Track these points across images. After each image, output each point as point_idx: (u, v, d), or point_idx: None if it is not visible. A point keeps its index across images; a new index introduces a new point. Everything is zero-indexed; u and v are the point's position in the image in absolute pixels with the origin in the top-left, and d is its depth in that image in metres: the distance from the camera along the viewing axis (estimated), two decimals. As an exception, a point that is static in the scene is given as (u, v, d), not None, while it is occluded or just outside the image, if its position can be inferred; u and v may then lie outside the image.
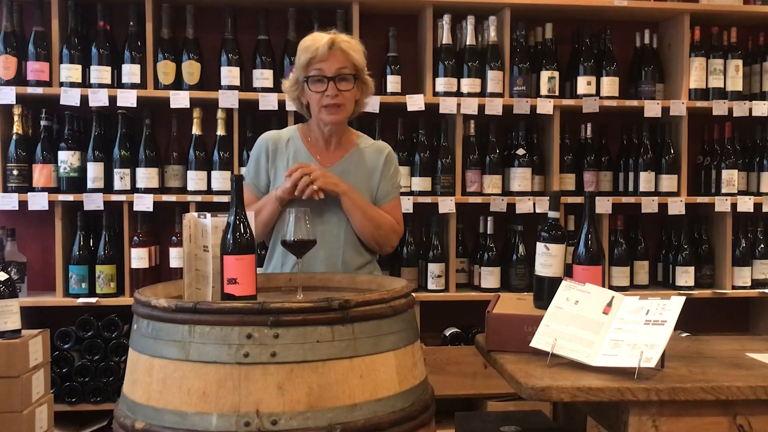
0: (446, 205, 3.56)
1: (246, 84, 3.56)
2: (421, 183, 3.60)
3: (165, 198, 3.45)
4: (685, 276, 3.77)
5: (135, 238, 3.47)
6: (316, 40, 2.35)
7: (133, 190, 3.45)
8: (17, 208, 3.37)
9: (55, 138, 3.50)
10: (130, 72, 3.43)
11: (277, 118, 3.52)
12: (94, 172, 3.43)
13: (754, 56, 3.95)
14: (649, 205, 3.70)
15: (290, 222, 2.03)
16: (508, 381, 1.89)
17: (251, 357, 1.66)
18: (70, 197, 3.40)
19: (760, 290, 3.83)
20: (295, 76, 2.43)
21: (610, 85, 3.72)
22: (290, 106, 3.28)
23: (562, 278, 2.09)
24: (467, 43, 3.64)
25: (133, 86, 3.42)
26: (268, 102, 3.45)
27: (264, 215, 2.39)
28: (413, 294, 2.03)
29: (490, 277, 3.64)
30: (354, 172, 2.48)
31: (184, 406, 1.68)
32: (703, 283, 3.83)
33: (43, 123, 3.47)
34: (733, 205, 3.76)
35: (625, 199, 3.73)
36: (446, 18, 3.62)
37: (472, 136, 3.69)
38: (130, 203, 3.42)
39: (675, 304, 1.91)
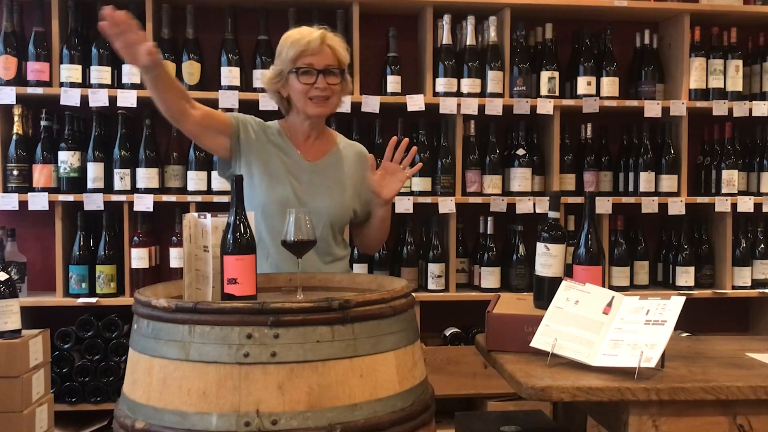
0: (446, 205, 3.56)
1: (246, 84, 3.56)
2: (421, 183, 3.60)
3: (165, 198, 3.45)
4: (685, 276, 3.77)
5: (135, 238, 3.47)
6: (306, 35, 2.35)
7: (133, 190, 3.45)
8: (17, 208, 3.37)
9: (55, 138, 3.50)
10: (131, 72, 3.42)
11: (277, 119, 3.51)
12: (94, 172, 3.43)
13: (754, 56, 3.95)
14: (649, 205, 3.70)
15: (290, 222, 2.03)
16: (508, 381, 1.90)
17: (251, 357, 1.66)
18: (70, 197, 3.40)
19: (760, 290, 3.83)
20: (279, 68, 2.40)
21: (610, 85, 3.72)
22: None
23: (562, 278, 2.09)
24: (467, 43, 3.64)
25: (133, 86, 3.42)
26: (268, 102, 3.44)
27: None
28: (413, 294, 2.03)
29: (490, 277, 3.64)
30: (338, 170, 2.48)
31: (184, 405, 1.68)
32: (703, 283, 3.83)
33: (43, 123, 3.48)
34: (733, 205, 3.76)
35: (625, 199, 3.73)
36: (446, 18, 3.62)
37: (472, 137, 3.69)
38: (130, 203, 3.42)
39: (675, 304, 1.91)
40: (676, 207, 3.72)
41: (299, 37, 2.36)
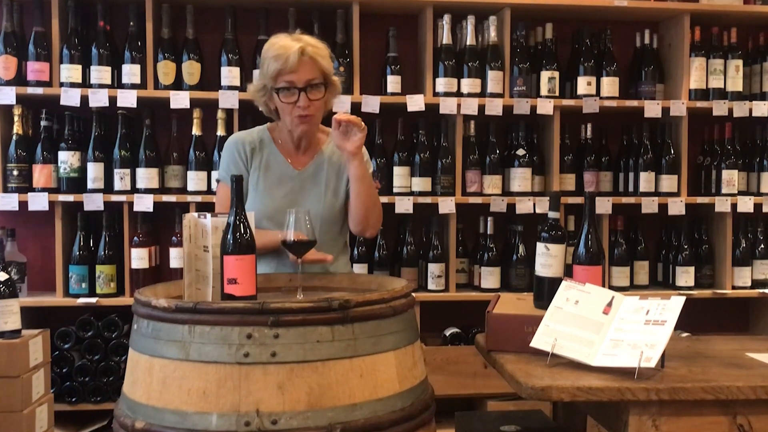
0: (446, 205, 3.56)
1: (246, 84, 3.55)
2: (421, 183, 3.60)
3: (165, 198, 3.45)
4: (685, 276, 3.77)
5: (135, 238, 3.47)
6: (285, 49, 2.28)
7: (133, 190, 3.45)
8: (17, 209, 3.36)
9: (55, 138, 3.50)
10: (130, 72, 3.42)
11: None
12: (94, 172, 3.43)
13: (754, 56, 3.95)
14: (649, 206, 3.70)
15: (290, 222, 2.03)
16: (508, 381, 1.90)
17: (251, 357, 1.66)
18: (70, 197, 3.40)
19: (760, 290, 3.83)
20: (262, 82, 2.37)
21: (610, 85, 3.72)
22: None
23: (562, 278, 2.09)
24: (467, 43, 3.64)
25: (133, 86, 3.42)
26: (268, 102, 3.45)
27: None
28: (413, 294, 2.03)
29: (490, 277, 3.64)
30: (325, 170, 2.46)
31: (184, 405, 1.68)
32: (703, 283, 3.83)
33: (43, 123, 3.47)
34: (733, 205, 3.76)
35: (625, 200, 3.73)
36: (446, 18, 3.62)
37: (472, 137, 3.69)
38: (130, 203, 3.42)
39: (675, 304, 1.91)
40: (676, 207, 3.71)
41: (279, 52, 2.29)
